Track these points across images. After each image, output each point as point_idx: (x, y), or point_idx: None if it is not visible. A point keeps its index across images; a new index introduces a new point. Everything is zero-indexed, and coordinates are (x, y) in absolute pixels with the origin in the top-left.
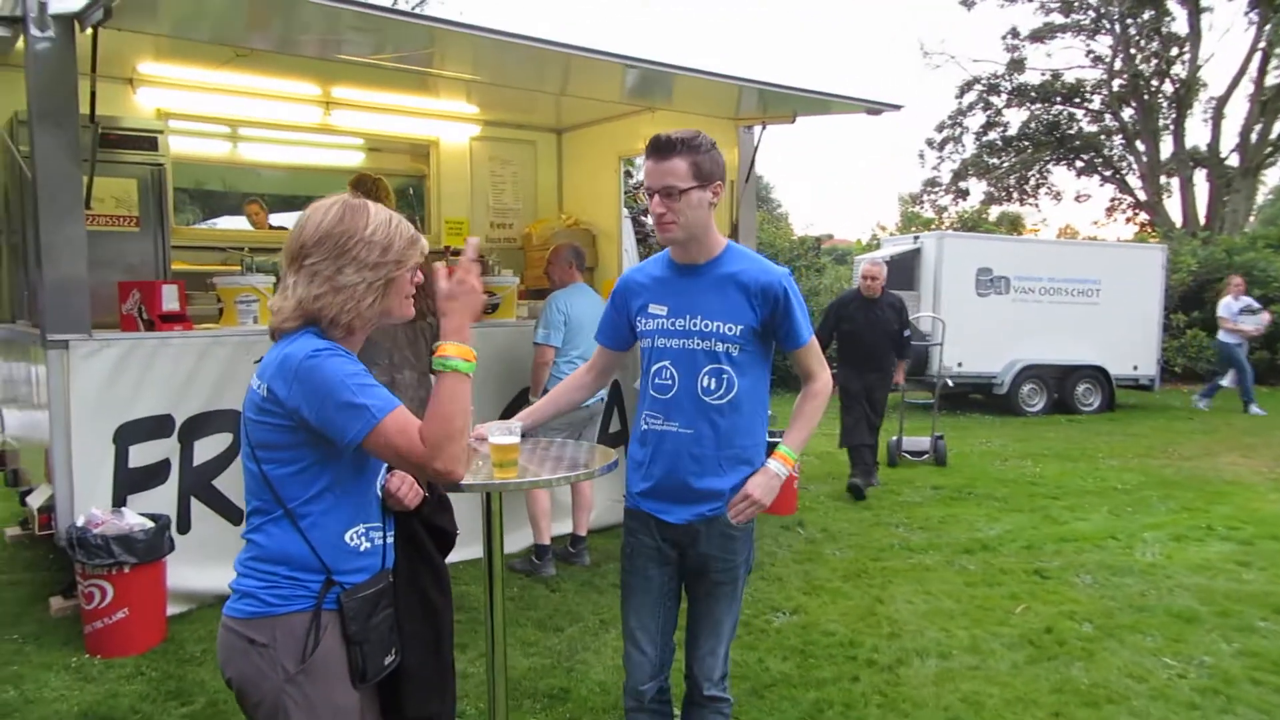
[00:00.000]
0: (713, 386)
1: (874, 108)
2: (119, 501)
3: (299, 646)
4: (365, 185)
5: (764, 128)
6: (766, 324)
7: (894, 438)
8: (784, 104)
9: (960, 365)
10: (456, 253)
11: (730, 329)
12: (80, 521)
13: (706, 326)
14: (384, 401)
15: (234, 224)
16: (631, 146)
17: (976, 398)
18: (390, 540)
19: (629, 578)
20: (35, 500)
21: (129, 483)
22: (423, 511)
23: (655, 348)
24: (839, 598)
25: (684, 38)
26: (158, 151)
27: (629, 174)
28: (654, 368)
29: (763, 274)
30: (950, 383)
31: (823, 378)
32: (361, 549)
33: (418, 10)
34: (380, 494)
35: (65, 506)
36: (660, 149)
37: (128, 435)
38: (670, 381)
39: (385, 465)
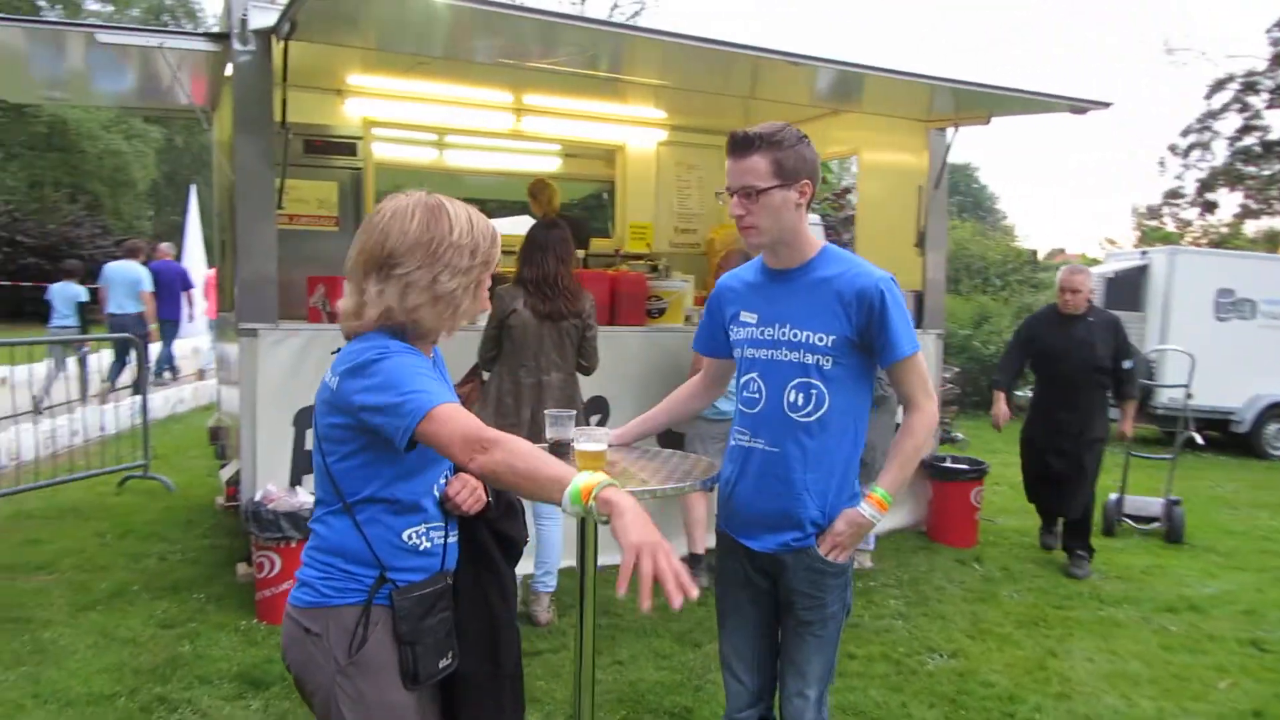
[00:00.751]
0: (800, 402)
1: (1078, 106)
2: (294, 481)
3: (348, 639)
4: (539, 190)
5: (956, 130)
6: (863, 334)
7: (1113, 495)
8: (979, 104)
9: (1191, 397)
10: (636, 257)
11: (821, 339)
12: (258, 496)
13: (795, 336)
14: (444, 393)
15: None
16: (820, 150)
17: (1213, 435)
18: (452, 541)
19: (721, 603)
20: (226, 473)
21: (304, 464)
22: (488, 516)
23: (744, 358)
24: (1007, 645)
25: (872, 36)
26: (357, 156)
27: (823, 179)
28: (743, 379)
29: (859, 278)
30: (1199, 438)
31: (925, 409)
32: (421, 548)
33: (614, 17)
34: (439, 496)
35: (248, 481)
36: (738, 146)
37: (305, 419)
38: (757, 395)
39: (450, 467)
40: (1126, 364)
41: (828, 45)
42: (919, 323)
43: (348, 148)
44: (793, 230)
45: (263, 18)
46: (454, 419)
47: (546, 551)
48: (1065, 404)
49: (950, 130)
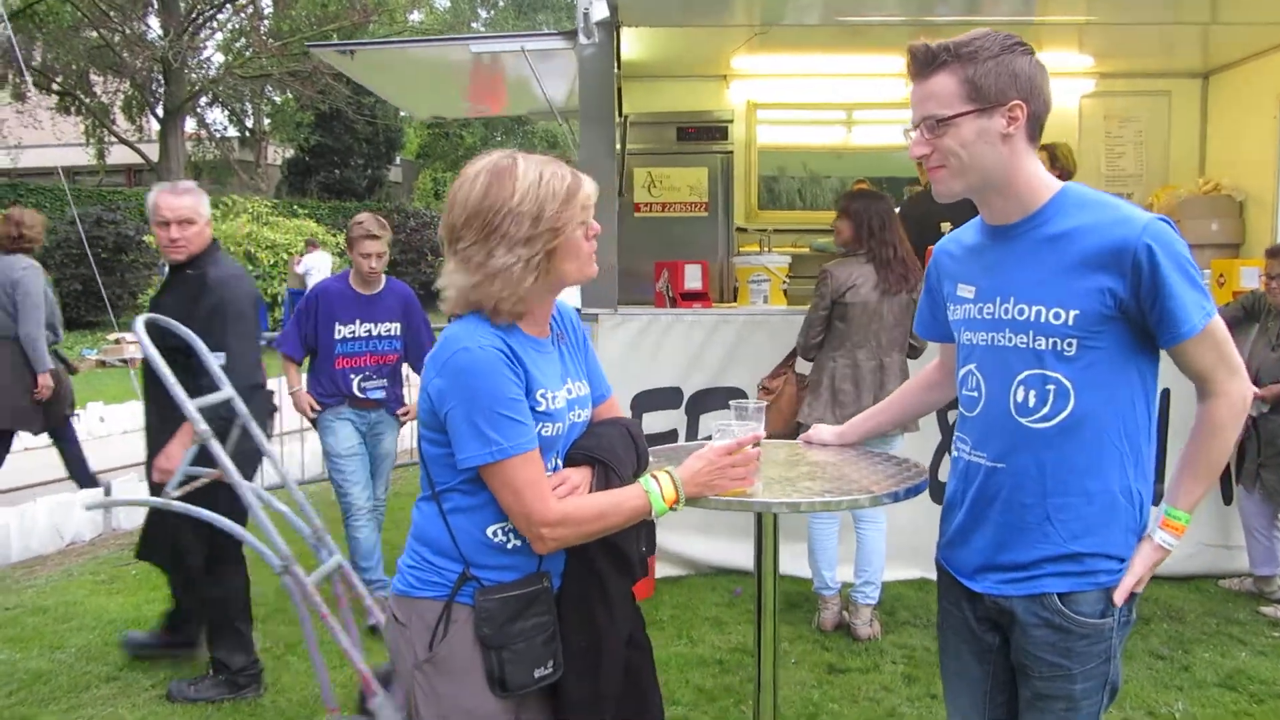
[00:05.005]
0: (1031, 402)
1: None
2: None
3: (429, 634)
4: (1051, 152)
5: None
6: (1124, 306)
7: None
8: None
9: None
10: None
11: (1059, 316)
12: None
13: (1022, 314)
14: (515, 442)
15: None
16: None
17: None
18: None
19: (942, 656)
20: None
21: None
22: None
23: (962, 344)
24: None
25: None
26: (728, 141)
27: None
28: (961, 372)
29: (1114, 227)
30: None
31: (1230, 392)
32: (509, 545)
33: None
34: None
35: None
36: (917, 63)
37: (643, 403)
38: (976, 393)
39: (558, 452)
40: None
41: None
42: None
43: (720, 132)
44: (1002, 171)
45: (606, 9)
46: (509, 484)
47: (867, 558)
48: None
49: None
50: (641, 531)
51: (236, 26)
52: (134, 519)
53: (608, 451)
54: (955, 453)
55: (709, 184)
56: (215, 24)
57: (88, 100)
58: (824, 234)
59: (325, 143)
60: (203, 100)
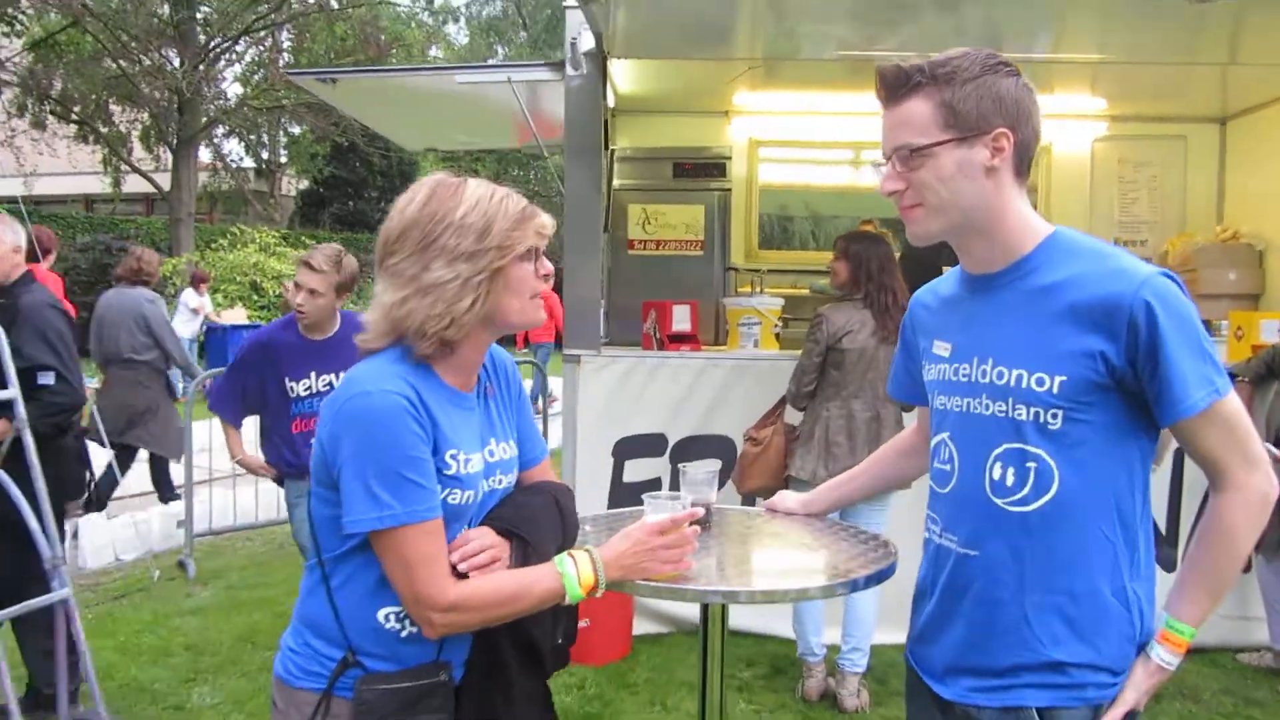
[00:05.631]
0: (1009, 481)
1: None
2: None
3: None
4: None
5: None
6: (1118, 373)
7: None
8: None
9: None
10: None
11: (1041, 382)
12: None
13: (1001, 378)
14: (412, 507)
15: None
16: None
17: None
18: None
19: None
20: None
21: (622, 497)
22: None
23: (935, 409)
24: None
25: None
26: (726, 178)
27: None
28: (934, 441)
29: (1107, 280)
30: None
31: (1246, 486)
32: (403, 634)
33: None
34: None
35: None
36: (888, 86)
37: (625, 450)
38: (948, 466)
39: (470, 520)
40: None
41: None
42: None
43: (717, 168)
44: (985, 209)
45: (589, 41)
46: (400, 557)
47: (855, 623)
48: None
49: None
50: (560, 618)
51: (254, 59)
52: (101, 559)
53: (528, 524)
54: (926, 533)
55: (705, 221)
56: (233, 55)
57: (105, 130)
58: (825, 275)
59: (339, 174)
60: (219, 131)
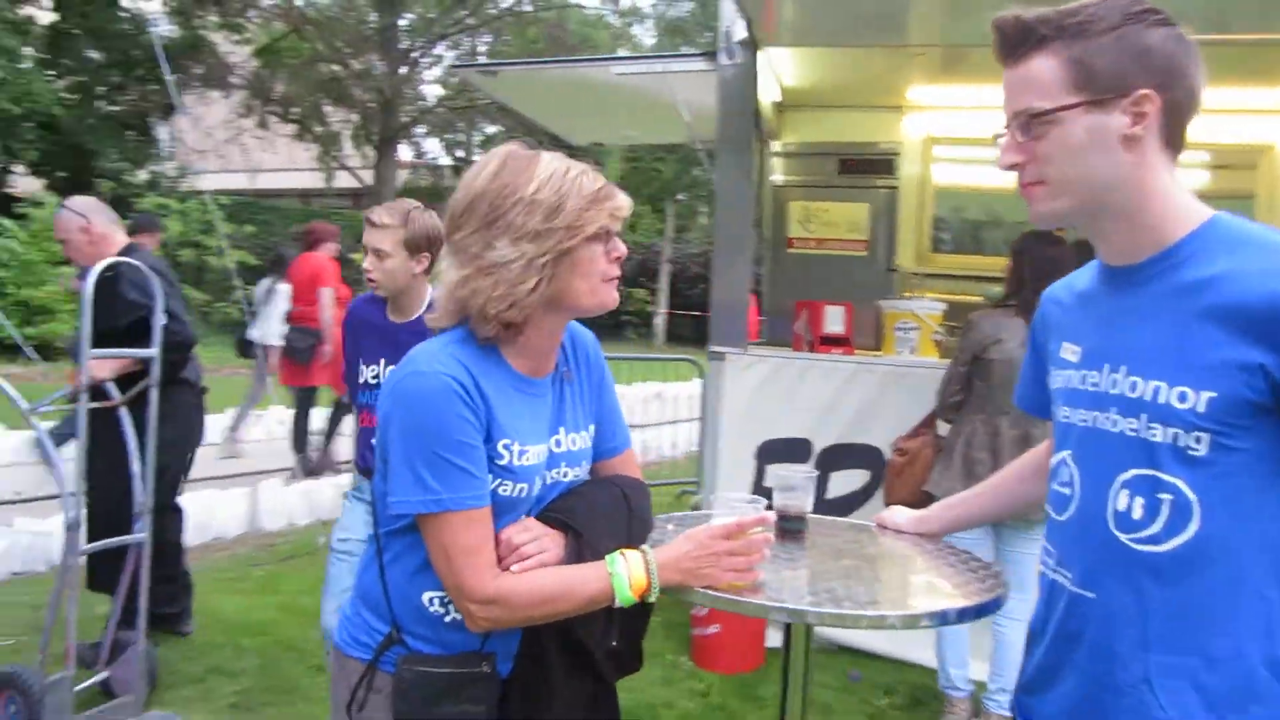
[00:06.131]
0: (1137, 514)
1: None
2: None
3: (349, 696)
4: None
5: None
6: None
7: None
8: None
9: None
10: None
11: (1184, 398)
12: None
13: (1135, 389)
14: (457, 494)
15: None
16: None
17: None
18: None
19: None
20: (695, 500)
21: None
22: None
23: (1058, 422)
24: None
25: None
26: (893, 175)
27: None
28: (1055, 460)
29: (1271, 278)
30: None
31: None
32: (447, 619)
33: None
34: None
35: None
36: (1008, 41)
37: (767, 453)
38: (1068, 489)
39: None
40: None
41: None
42: None
43: (885, 165)
44: (1121, 188)
45: (742, 30)
46: (441, 544)
47: (1004, 659)
48: None
49: None
50: (615, 620)
51: (452, 62)
52: (277, 522)
53: (585, 518)
54: (1041, 566)
55: (870, 221)
56: (432, 58)
57: (320, 129)
58: (1001, 282)
59: None
60: (420, 130)
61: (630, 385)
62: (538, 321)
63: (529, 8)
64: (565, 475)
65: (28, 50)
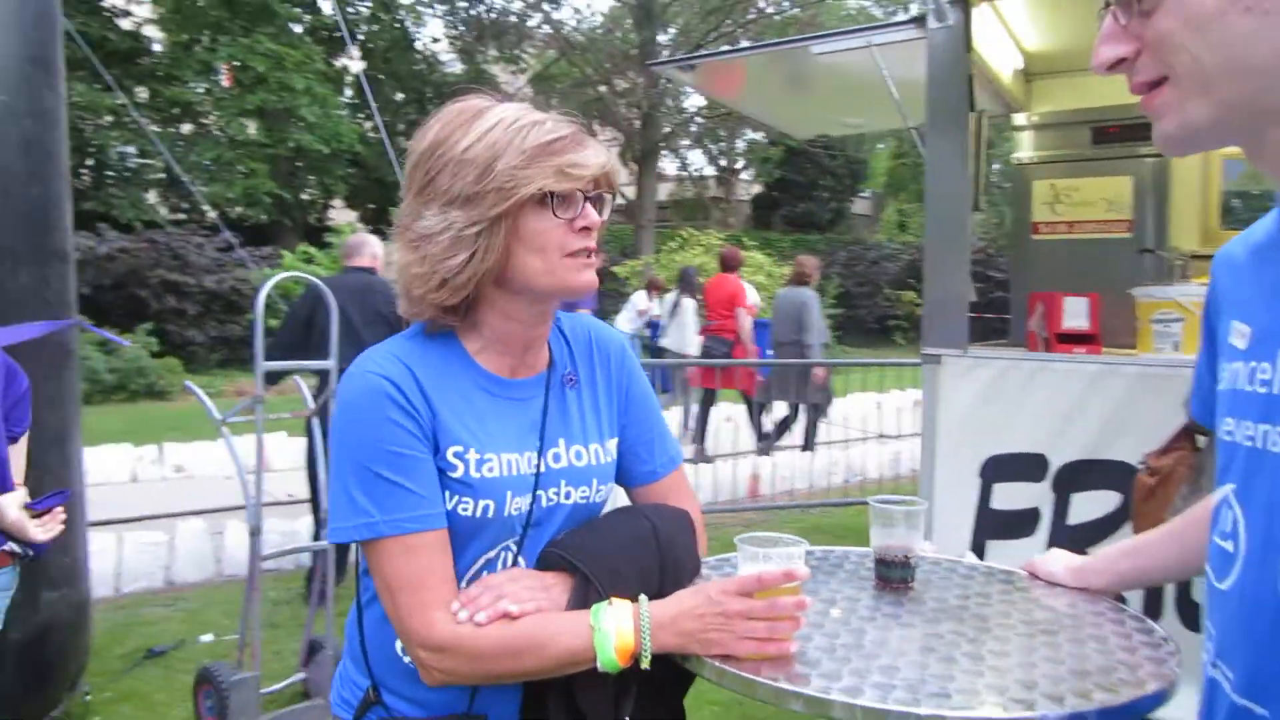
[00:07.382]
0: None
1: None
2: (977, 546)
3: None
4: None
5: None
6: None
7: None
8: None
9: None
10: None
11: None
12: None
13: None
14: (392, 516)
15: None
16: None
17: None
18: None
19: None
20: None
21: (991, 526)
22: None
23: (1220, 440)
24: None
25: None
26: None
27: None
28: (1216, 500)
29: None
30: None
31: None
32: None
33: None
34: None
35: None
36: None
37: (994, 470)
38: (1230, 544)
39: (501, 542)
40: None
41: None
42: None
43: (1150, 130)
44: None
45: None
46: (381, 577)
47: None
48: None
49: None
50: (629, 686)
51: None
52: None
53: (594, 557)
54: (1203, 653)
55: (1134, 197)
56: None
57: None
58: None
59: (790, 177)
60: (684, 143)
61: (885, 393)
62: (493, 306)
63: (788, 6)
64: (569, 496)
65: (345, 96)
